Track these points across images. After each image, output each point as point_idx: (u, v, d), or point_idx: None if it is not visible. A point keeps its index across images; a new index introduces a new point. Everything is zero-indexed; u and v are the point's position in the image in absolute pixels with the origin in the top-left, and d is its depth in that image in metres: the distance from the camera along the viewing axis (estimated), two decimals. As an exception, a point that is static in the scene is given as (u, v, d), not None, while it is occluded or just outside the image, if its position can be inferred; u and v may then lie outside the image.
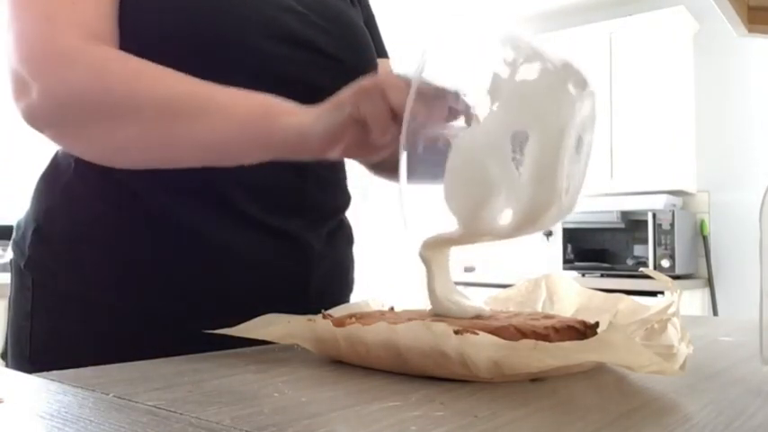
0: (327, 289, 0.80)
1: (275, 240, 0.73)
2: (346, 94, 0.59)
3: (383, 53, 0.91)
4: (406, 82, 0.57)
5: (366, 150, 0.61)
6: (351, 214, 0.88)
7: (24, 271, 0.72)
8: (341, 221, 0.85)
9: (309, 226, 0.76)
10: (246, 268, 0.71)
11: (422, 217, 0.59)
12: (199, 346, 0.59)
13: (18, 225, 0.76)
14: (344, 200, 0.84)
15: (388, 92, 0.57)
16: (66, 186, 0.70)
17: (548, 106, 0.52)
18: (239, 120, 0.60)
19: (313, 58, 0.74)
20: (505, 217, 0.53)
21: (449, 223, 0.56)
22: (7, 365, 0.73)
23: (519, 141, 0.52)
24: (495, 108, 0.52)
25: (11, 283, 0.75)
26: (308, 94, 0.64)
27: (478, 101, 0.53)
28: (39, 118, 0.62)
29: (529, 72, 0.52)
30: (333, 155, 0.61)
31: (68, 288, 0.70)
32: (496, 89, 0.53)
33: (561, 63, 0.53)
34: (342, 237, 0.85)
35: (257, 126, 0.60)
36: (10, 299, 0.75)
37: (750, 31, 1.01)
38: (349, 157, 0.63)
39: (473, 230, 0.55)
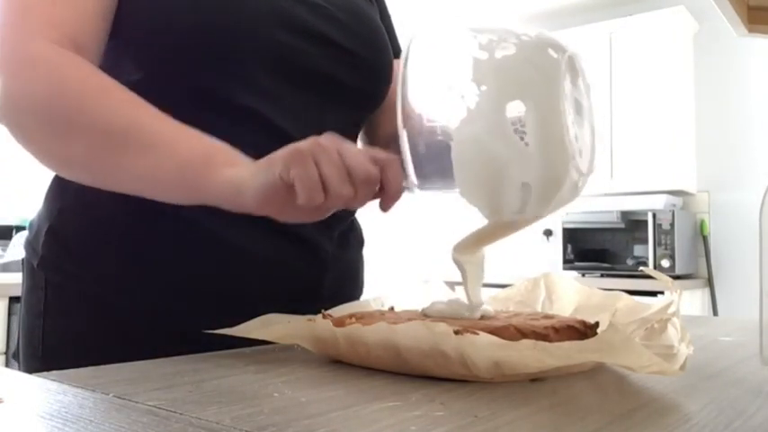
0: (340, 291, 0.79)
1: (289, 242, 0.72)
2: (280, 153, 0.57)
3: (398, 53, 0.90)
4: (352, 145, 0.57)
5: (303, 215, 0.58)
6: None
7: (37, 270, 0.72)
8: (352, 223, 0.85)
9: (322, 226, 0.75)
10: (260, 270, 0.71)
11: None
12: (199, 345, 0.59)
13: (31, 225, 0.76)
14: None
15: (328, 156, 0.54)
16: (81, 187, 0.70)
17: (532, 70, 0.52)
18: (180, 161, 0.59)
19: (328, 51, 0.73)
20: (526, 193, 0.53)
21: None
22: (19, 366, 0.73)
23: (517, 114, 0.52)
24: (483, 89, 0.52)
25: (22, 283, 0.75)
26: (326, 86, 0.63)
27: (466, 92, 0.53)
28: (2, 117, 0.62)
29: (506, 48, 0.53)
30: (270, 213, 0.59)
31: (82, 287, 0.70)
32: (479, 72, 0.53)
33: (535, 34, 0.54)
34: (353, 238, 0.85)
35: (195, 171, 0.59)
36: (22, 298, 0.75)
37: (750, 31, 1.01)
38: (287, 219, 0.60)
39: (500, 218, 0.55)
